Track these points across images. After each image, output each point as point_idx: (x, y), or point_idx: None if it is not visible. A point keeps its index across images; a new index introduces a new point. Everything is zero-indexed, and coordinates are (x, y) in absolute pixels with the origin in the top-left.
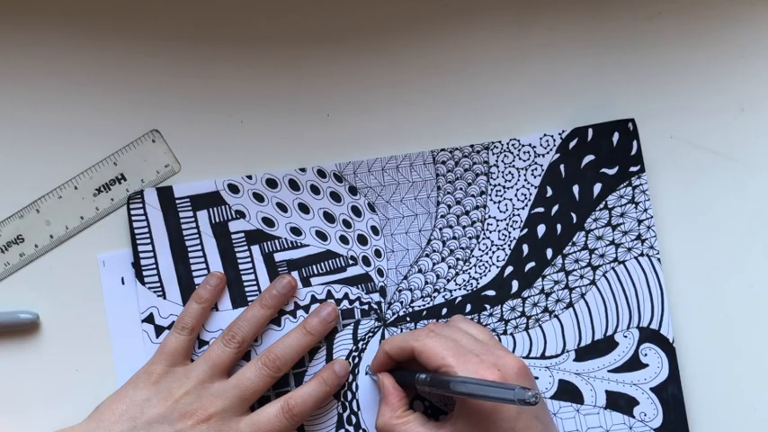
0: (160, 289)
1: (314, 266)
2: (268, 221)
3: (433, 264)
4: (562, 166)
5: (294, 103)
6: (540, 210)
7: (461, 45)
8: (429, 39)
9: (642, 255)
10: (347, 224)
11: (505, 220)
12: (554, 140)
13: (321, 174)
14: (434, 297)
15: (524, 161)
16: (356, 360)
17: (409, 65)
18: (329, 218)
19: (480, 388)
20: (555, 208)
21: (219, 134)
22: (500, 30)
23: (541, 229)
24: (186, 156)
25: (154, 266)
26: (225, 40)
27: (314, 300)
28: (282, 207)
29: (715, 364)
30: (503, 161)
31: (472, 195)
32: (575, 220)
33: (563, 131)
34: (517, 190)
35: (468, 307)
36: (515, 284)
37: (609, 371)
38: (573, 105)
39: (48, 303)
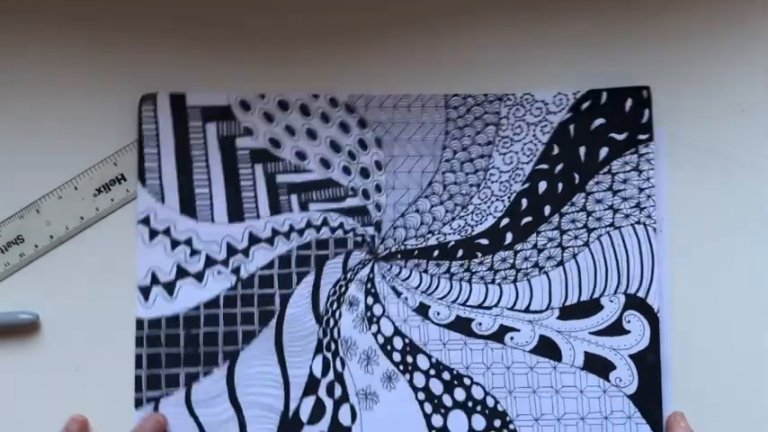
0: (160, 193)
1: (314, 192)
2: (275, 142)
3: (431, 205)
4: (572, 126)
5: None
6: (545, 167)
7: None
8: None
9: (639, 223)
10: (352, 156)
11: (509, 172)
12: (567, 99)
13: (333, 102)
14: (428, 238)
15: (535, 116)
16: (342, 289)
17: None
18: (335, 147)
19: None
20: (559, 167)
21: None
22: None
23: (542, 186)
24: None
25: (156, 170)
26: (225, 40)
27: (309, 224)
28: (291, 130)
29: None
30: (514, 114)
31: (479, 144)
32: (577, 181)
33: (577, 92)
34: (524, 144)
35: (460, 252)
36: (509, 236)
37: (591, 332)
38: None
39: (48, 303)
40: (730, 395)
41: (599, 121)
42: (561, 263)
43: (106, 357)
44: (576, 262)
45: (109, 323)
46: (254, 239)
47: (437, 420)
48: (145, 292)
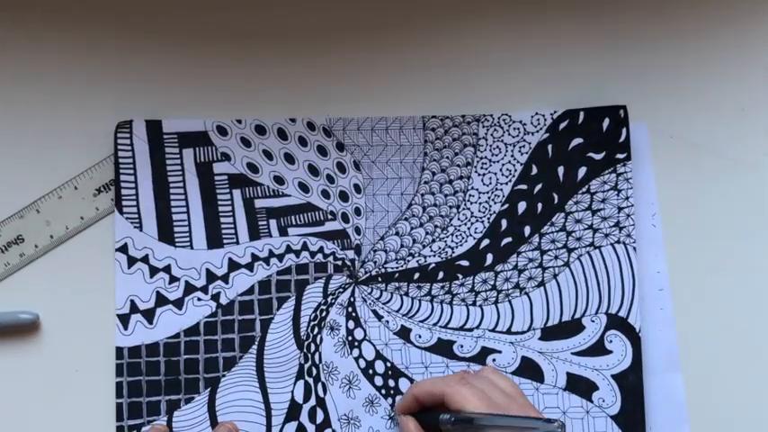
0: (137, 220)
1: (293, 217)
2: (252, 167)
3: (411, 228)
4: (550, 146)
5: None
6: (523, 187)
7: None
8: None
9: (618, 242)
10: (330, 179)
11: (488, 193)
12: (545, 120)
13: (310, 126)
14: (408, 261)
15: (513, 137)
16: (323, 313)
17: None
18: (313, 171)
19: (505, 420)
20: (538, 187)
21: None
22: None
23: (522, 206)
24: None
25: (134, 197)
26: (225, 38)
27: (289, 249)
28: (268, 155)
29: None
30: (492, 135)
31: (458, 165)
32: (556, 201)
33: (555, 112)
34: (503, 165)
35: (441, 274)
36: (490, 257)
37: (573, 353)
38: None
39: (48, 303)
40: (731, 393)
41: (577, 141)
42: (542, 283)
43: (106, 357)
44: (557, 282)
45: (109, 323)
46: (233, 265)
47: None
48: (124, 320)
